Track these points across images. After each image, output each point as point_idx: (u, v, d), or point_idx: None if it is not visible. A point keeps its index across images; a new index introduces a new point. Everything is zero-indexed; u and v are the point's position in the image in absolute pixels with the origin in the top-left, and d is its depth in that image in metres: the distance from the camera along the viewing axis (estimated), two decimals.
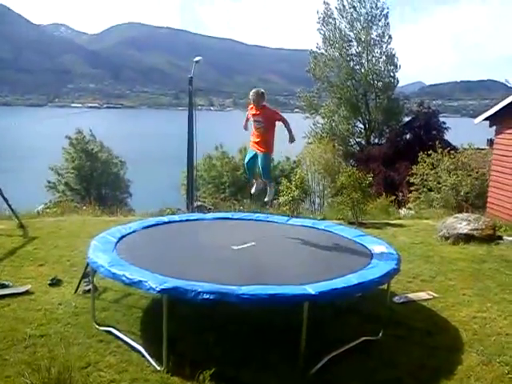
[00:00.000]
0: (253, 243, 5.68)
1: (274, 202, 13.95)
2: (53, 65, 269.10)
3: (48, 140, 41.18)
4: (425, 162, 15.69)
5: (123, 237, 5.63)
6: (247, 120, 6.02)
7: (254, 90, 5.74)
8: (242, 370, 4.07)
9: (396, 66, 26.49)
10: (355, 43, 26.42)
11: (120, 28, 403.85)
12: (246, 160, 5.94)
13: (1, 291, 5.65)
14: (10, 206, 9.36)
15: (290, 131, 5.81)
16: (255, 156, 5.78)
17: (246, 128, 6.14)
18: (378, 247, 5.45)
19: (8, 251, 7.45)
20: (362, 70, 26.48)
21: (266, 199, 5.96)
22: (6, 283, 5.90)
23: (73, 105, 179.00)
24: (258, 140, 5.71)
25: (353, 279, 4.32)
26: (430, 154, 15.56)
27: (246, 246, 5.58)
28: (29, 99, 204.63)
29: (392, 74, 26.59)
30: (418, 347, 4.58)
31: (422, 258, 7.69)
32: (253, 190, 5.93)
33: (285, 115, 5.80)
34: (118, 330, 4.70)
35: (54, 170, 23.05)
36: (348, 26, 26.41)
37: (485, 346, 4.65)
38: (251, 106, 5.80)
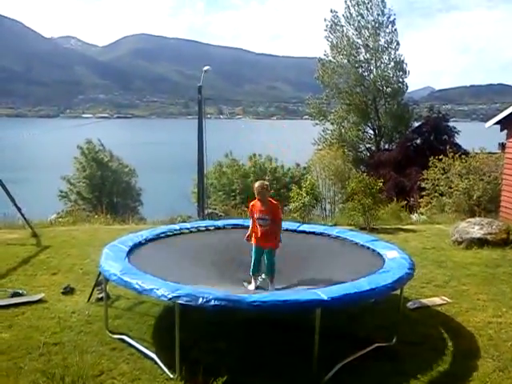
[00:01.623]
0: None
1: (285, 208, 13.91)
2: (64, 76, 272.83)
3: (59, 150, 41.65)
4: (436, 167, 15.57)
5: (135, 245, 5.66)
6: (253, 221, 5.35)
7: (258, 184, 5.27)
8: (254, 377, 4.05)
9: (405, 72, 26.49)
10: (363, 50, 26.48)
11: (129, 39, 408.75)
12: (254, 258, 5.33)
13: (15, 300, 5.71)
14: (23, 215, 9.48)
15: (278, 235, 5.29)
16: (262, 253, 5.30)
17: (249, 239, 5.43)
18: (390, 252, 5.41)
19: (22, 260, 7.53)
20: (371, 77, 26.52)
21: (269, 289, 5.13)
22: (20, 292, 5.96)
23: (84, 115, 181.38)
24: (266, 236, 5.22)
25: (365, 285, 4.29)
26: (441, 159, 15.45)
27: None
28: (40, 110, 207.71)
29: (401, 80, 26.60)
30: (432, 353, 4.53)
31: (434, 263, 7.62)
32: (252, 287, 5.22)
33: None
34: (130, 337, 4.71)
35: (66, 180, 23.27)
36: (356, 33, 26.51)
37: (501, 351, 4.58)
38: (255, 202, 5.32)
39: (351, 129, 26.70)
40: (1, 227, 10.14)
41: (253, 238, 5.37)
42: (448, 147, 16.48)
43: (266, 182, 5.44)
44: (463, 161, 14.98)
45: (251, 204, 5.41)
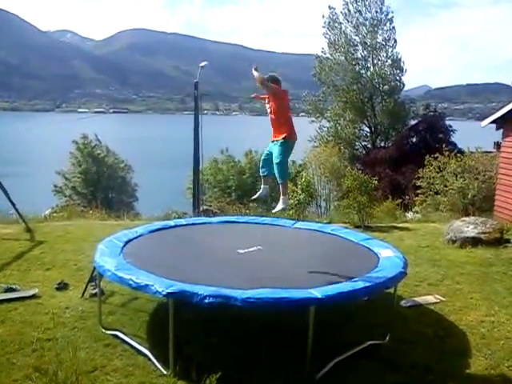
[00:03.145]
0: (259, 247, 5.67)
1: None
2: (60, 70, 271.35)
3: (55, 145, 41.46)
4: (431, 166, 15.61)
5: (130, 241, 5.65)
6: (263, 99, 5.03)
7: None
8: (248, 373, 4.06)
9: (402, 70, 26.52)
10: (361, 47, 26.48)
11: (126, 33, 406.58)
12: (264, 156, 4.97)
13: (8, 295, 5.69)
14: (17, 210, 9.43)
15: (289, 122, 4.89)
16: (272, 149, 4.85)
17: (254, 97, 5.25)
18: (384, 251, 5.42)
19: (15, 255, 7.50)
20: (368, 74, 26.53)
21: (277, 208, 4.67)
22: (14, 287, 5.94)
23: (79, 110, 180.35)
24: (274, 126, 4.81)
25: (359, 283, 4.30)
26: (437, 158, 15.49)
27: (252, 249, 5.57)
28: (36, 104, 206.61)
29: (398, 78, 26.62)
30: (425, 351, 4.55)
31: (428, 261, 7.65)
32: (257, 195, 4.96)
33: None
34: (124, 333, 4.71)
35: (61, 175, 23.16)
36: (353, 31, 26.48)
37: (493, 350, 4.62)
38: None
39: (347, 126, 26.71)
40: None
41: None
42: (444, 146, 16.51)
43: (273, 74, 4.86)
44: (458, 159, 15.03)
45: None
